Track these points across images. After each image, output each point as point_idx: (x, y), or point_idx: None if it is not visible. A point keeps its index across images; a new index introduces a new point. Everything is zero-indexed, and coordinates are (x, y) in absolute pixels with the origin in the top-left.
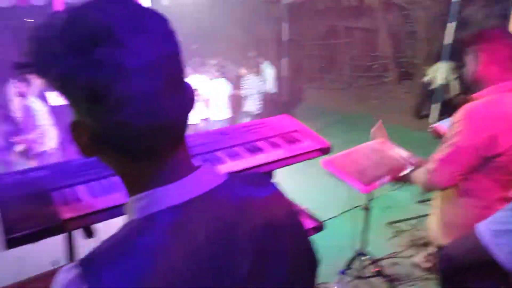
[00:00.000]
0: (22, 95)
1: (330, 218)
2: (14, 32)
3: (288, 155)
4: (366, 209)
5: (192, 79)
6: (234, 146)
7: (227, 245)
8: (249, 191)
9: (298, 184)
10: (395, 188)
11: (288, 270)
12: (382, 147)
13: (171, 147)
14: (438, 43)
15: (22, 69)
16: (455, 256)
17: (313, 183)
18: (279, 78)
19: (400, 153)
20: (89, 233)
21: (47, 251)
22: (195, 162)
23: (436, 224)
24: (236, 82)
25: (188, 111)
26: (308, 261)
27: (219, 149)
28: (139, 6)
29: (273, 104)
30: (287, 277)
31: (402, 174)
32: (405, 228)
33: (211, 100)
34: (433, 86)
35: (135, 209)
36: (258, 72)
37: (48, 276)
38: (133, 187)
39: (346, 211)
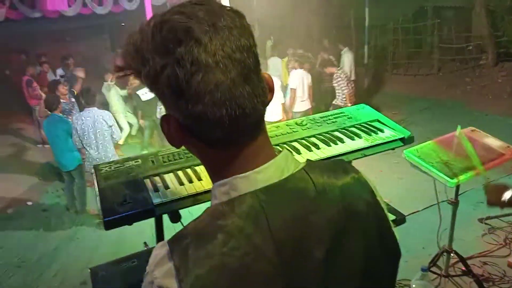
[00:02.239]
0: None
1: (414, 212)
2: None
3: (367, 145)
4: (454, 203)
5: (276, 67)
6: (311, 136)
7: (303, 231)
8: (327, 178)
9: (380, 176)
10: (490, 181)
11: (365, 258)
12: (474, 135)
13: (249, 136)
14: None
15: (120, 71)
16: None
17: (397, 175)
18: (361, 65)
19: (494, 142)
20: (176, 217)
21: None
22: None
23: None
24: (317, 72)
25: (265, 101)
26: (388, 252)
27: (295, 140)
28: (217, 5)
29: (353, 92)
30: (363, 264)
31: (505, 198)
32: (500, 226)
33: (296, 90)
34: None
35: (217, 194)
36: (338, 59)
37: (141, 255)
38: (216, 174)
39: (432, 206)
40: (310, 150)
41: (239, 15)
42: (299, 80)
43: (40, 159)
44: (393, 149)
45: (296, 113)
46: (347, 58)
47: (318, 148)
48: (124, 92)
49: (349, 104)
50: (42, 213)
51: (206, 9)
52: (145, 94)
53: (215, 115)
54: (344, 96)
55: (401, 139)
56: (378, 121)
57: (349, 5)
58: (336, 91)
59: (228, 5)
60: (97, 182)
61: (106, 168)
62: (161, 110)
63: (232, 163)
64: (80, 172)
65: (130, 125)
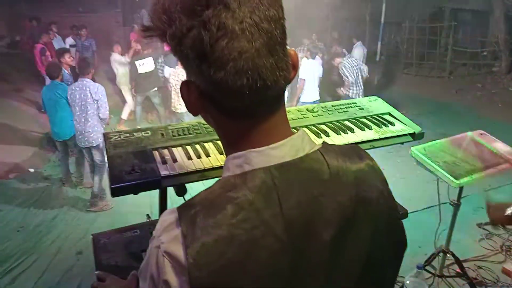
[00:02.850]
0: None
1: (416, 211)
2: None
3: (376, 137)
4: (455, 205)
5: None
6: (321, 124)
7: (314, 212)
8: (342, 162)
9: (384, 173)
10: (491, 188)
11: (372, 245)
12: (482, 139)
13: (267, 109)
14: None
15: (147, 32)
16: None
17: (399, 174)
18: (373, 62)
19: (502, 148)
20: (182, 191)
21: (137, 208)
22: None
23: None
24: (327, 64)
25: (287, 77)
26: (395, 241)
27: (305, 126)
28: None
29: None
30: (369, 252)
31: (508, 213)
32: (497, 232)
33: (305, 81)
34: None
35: (230, 166)
36: (350, 52)
37: (143, 226)
38: (231, 146)
39: (431, 207)
40: (320, 137)
41: None
42: (310, 71)
43: (45, 127)
44: (402, 143)
45: (303, 104)
46: (358, 51)
47: (327, 135)
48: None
49: (348, 92)
50: (43, 181)
51: None
52: (143, 65)
53: (235, 84)
54: (346, 83)
55: (411, 134)
56: (390, 114)
57: None
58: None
59: None
60: (106, 149)
61: (116, 137)
62: (156, 94)
63: (248, 136)
64: (76, 143)
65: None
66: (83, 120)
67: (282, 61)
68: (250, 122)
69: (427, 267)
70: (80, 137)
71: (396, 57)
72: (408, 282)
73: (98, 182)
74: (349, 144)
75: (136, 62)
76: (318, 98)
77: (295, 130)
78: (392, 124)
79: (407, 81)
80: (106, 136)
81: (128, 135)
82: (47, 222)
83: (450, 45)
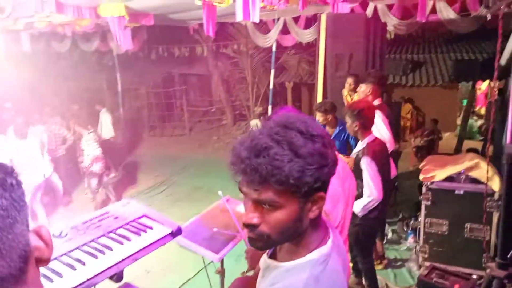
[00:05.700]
0: None
1: (189, 279)
2: None
3: (137, 248)
4: (220, 272)
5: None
6: (74, 250)
7: None
8: None
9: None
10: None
11: None
12: (228, 206)
13: None
14: (265, 86)
15: None
16: None
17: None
18: (118, 128)
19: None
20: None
21: None
22: None
23: None
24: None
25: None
26: None
27: (55, 259)
28: None
29: (112, 156)
30: None
31: None
32: None
33: (18, 162)
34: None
35: None
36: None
37: None
38: None
39: (201, 269)
40: (75, 269)
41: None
42: (21, 154)
43: None
44: (164, 244)
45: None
46: (105, 118)
47: (84, 264)
48: None
49: (96, 165)
50: None
51: None
52: None
53: None
54: (92, 157)
55: (171, 233)
56: (146, 216)
57: (100, 69)
58: (85, 152)
59: None
60: None
61: None
62: None
63: None
64: None
65: None
66: None
67: None
68: None
69: None
70: None
71: (139, 121)
72: None
73: None
74: (105, 272)
75: None
76: (41, 181)
77: None
78: (151, 227)
79: (154, 143)
80: None
81: None
82: None
83: (185, 106)
